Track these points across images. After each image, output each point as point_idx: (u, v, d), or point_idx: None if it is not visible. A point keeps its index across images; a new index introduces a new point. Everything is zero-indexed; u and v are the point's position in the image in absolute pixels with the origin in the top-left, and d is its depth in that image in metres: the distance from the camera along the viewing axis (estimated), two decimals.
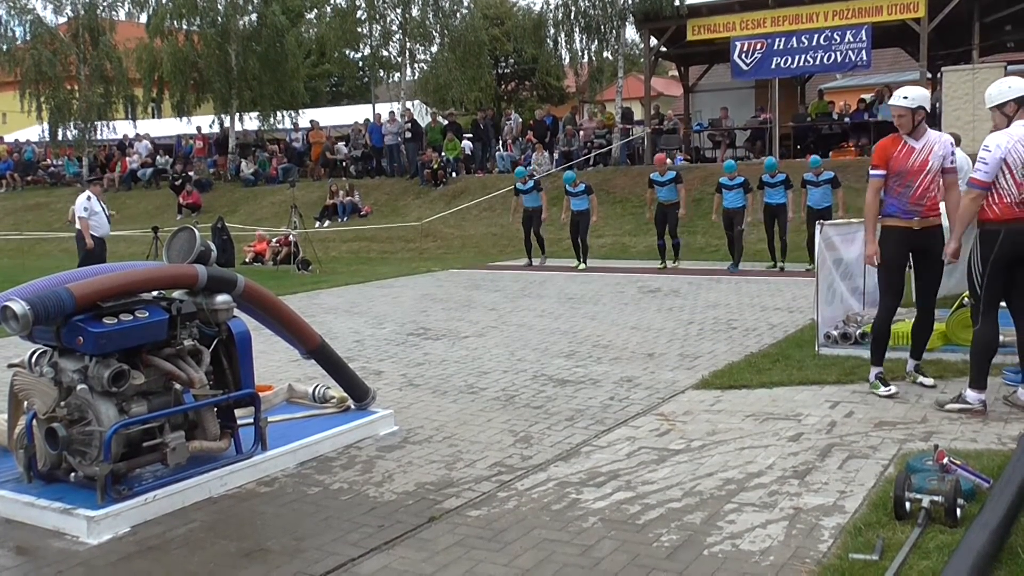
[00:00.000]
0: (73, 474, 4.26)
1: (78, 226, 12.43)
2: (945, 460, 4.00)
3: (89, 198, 12.48)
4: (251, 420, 4.79)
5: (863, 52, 19.23)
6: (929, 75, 19.48)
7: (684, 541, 3.71)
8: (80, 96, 28.25)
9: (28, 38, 28.43)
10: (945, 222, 5.87)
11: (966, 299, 6.19)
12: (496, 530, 3.90)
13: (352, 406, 5.65)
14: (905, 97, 5.70)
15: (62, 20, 28.89)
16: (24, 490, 4.29)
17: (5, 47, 28.50)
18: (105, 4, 28.58)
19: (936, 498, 3.69)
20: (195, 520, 4.13)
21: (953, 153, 5.78)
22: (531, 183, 14.97)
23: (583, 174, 21.51)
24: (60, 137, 28.60)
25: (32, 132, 32.72)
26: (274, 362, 7.41)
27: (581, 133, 23.01)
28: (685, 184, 14.56)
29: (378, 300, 11.69)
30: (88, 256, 12.07)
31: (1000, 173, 5.19)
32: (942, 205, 5.90)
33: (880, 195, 5.84)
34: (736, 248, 13.40)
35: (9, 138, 34.68)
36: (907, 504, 3.72)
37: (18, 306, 3.97)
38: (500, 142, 24.00)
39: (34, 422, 4.31)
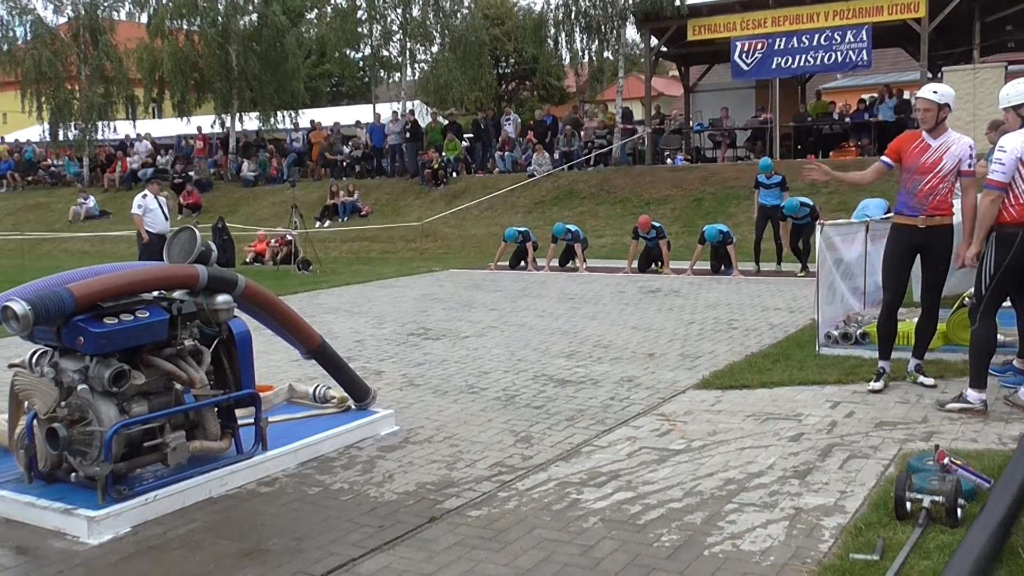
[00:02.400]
0: (74, 474, 4.26)
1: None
2: (946, 460, 3.99)
3: (144, 196, 13.48)
4: (252, 420, 4.79)
5: (864, 52, 19.25)
6: (929, 75, 19.47)
7: (685, 541, 3.71)
8: (81, 96, 28.27)
9: (29, 38, 28.44)
10: (956, 220, 5.87)
11: (967, 299, 6.20)
12: (497, 530, 3.90)
13: (353, 406, 5.65)
14: (935, 92, 5.72)
15: (63, 20, 28.95)
16: (25, 490, 4.29)
17: (6, 47, 28.52)
18: (106, 4, 28.60)
19: (937, 498, 3.69)
20: (196, 520, 4.13)
21: (972, 156, 5.76)
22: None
23: (583, 175, 21.58)
24: (61, 137, 28.62)
25: (33, 132, 32.74)
26: (275, 362, 7.41)
27: (582, 133, 23.02)
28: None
29: (378, 300, 11.69)
30: (145, 250, 13.03)
31: (1017, 174, 5.18)
32: (956, 203, 5.90)
33: (875, 174, 5.99)
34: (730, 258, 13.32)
35: (10, 138, 34.72)
36: (908, 504, 3.72)
37: (19, 306, 3.97)
38: (499, 142, 24.00)
39: (35, 422, 4.31)
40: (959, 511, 3.66)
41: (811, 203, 12.70)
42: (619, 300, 10.96)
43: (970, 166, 5.71)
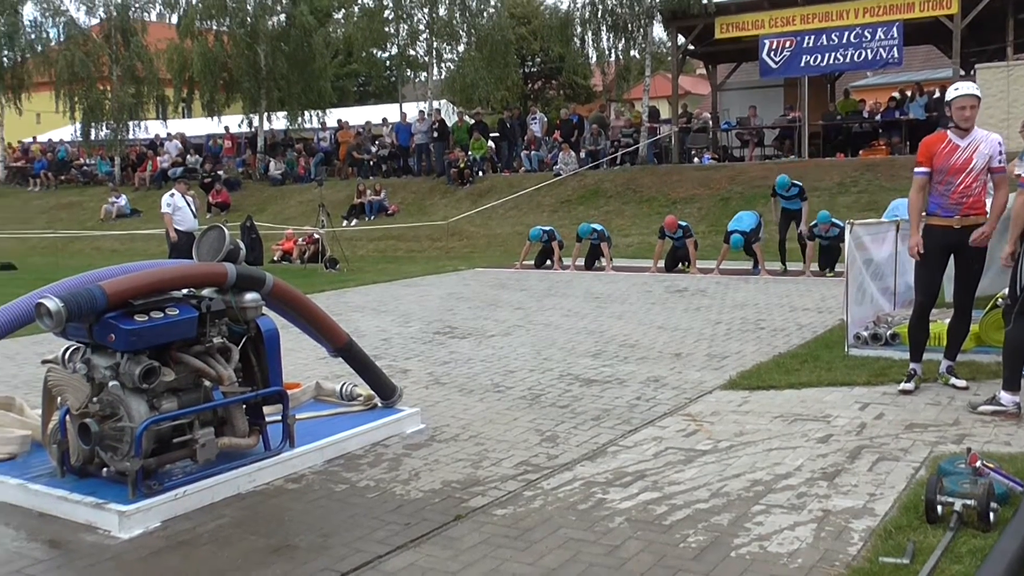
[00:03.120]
0: (105, 469, 4.32)
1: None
2: (978, 463, 3.93)
3: (172, 195, 13.56)
4: (279, 417, 4.82)
5: (894, 49, 19.04)
6: (962, 72, 19.22)
7: (711, 542, 3.69)
8: (112, 96, 28.62)
9: (62, 39, 28.86)
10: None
11: (1000, 300, 6.11)
12: (522, 529, 3.89)
13: (379, 404, 5.67)
14: (977, 88, 5.66)
15: (95, 21, 29.33)
16: (57, 484, 4.34)
17: (40, 48, 28.96)
18: (137, 5, 28.94)
19: (969, 502, 3.63)
20: (224, 516, 4.16)
21: (1001, 152, 5.68)
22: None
23: (609, 174, 21.52)
24: (93, 137, 28.99)
25: (65, 132, 33.22)
26: (302, 360, 7.46)
27: (608, 132, 22.94)
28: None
29: (405, 298, 11.73)
30: (174, 248, 13.09)
31: None
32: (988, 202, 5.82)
33: (924, 192, 5.79)
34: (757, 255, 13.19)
35: (43, 138, 35.23)
36: (939, 507, 3.67)
37: (52, 303, 4.03)
38: (524, 141, 24.00)
39: (67, 418, 4.37)
40: (991, 515, 3.61)
41: (841, 223, 12.42)
42: (645, 299, 10.91)
43: (1000, 162, 5.64)
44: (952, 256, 5.82)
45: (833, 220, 12.40)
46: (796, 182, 12.96)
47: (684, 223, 13.80)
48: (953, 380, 5.97)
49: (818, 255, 12.74)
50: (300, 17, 27.22)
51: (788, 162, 20.47)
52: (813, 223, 12.54)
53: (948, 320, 6.09)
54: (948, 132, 5.73)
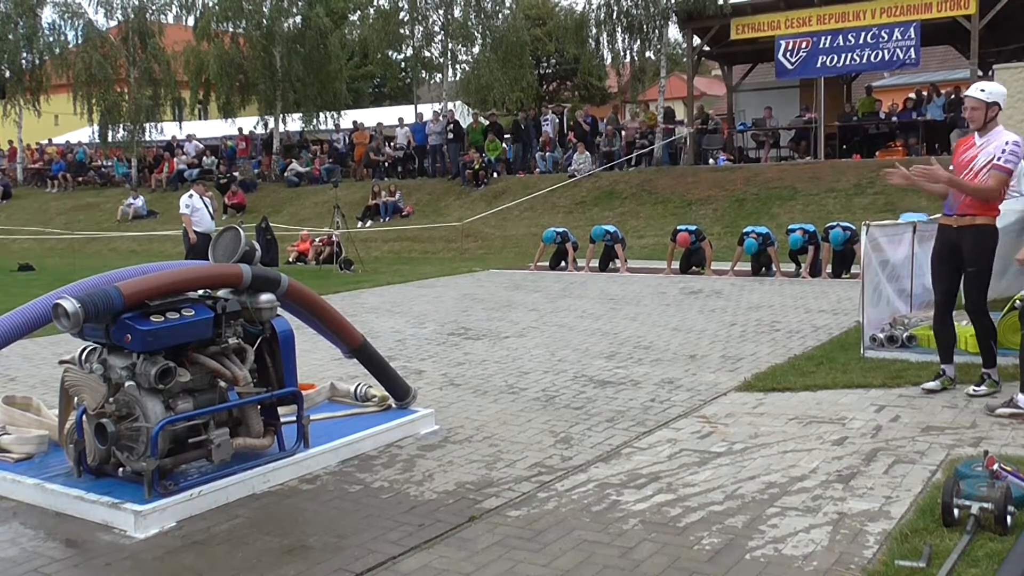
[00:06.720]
0: (121, 469, 4.35)
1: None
2: (995, 466, 3.90)
3: (191, 196, 13.57)
4: (294, 418, 4.84)
5: (912, 50, 18.92)
6: (980, 73, 19.06)
7: (725, 544, 3.67)
8: (129, 98, 28.81)
9: (80, 42, 29.08)
10: (1002, 223, 5.73)
11: (1018, 302, 6.06)
12: (536, 531, 3.89)
13: (393, 405, 5.69)
14: (982, 90, 5.59)
15: (112, 24, 29.56)
16: (74, 484, 4.37)
17: (58, 50, 29.19)
18: (154, 7, 29.14)
19: (986, 505, 3.61)
20: (239, 516, 4.18)
21: (1006, 150, 5.54)
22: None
23: (624, 175, 21.49)
24: (110, 138, 29.18)
25: (83, 134, 33.47)
26: (316, 361, 7.49)
27: (623, 133, 22.93)
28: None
29: (419, 300, 11.75)
30: (192, 250, 13.11)
31: None
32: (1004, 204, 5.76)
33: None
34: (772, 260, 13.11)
35: (61, 140, 35.51)
36: (956, 511, 3.65)
37: (69, 304, 4.06)
38: (538, 142, 24.00)
39: (84, 418, 4.40)
40: (1009, 518, 3.58)
41: (853, 226, 12.26)
42: (660, 301, 10.89)
43: (999, 160, 5.45)
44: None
45: (844, 225, 12.31)
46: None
47: (694, 227, 13.75)
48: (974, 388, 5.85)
49: (832, 260, 12.66)
50: (316, 19, 27.34)
51: (804, 163, 20.40)
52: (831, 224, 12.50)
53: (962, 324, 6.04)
54: (973, 130, 5.72)
